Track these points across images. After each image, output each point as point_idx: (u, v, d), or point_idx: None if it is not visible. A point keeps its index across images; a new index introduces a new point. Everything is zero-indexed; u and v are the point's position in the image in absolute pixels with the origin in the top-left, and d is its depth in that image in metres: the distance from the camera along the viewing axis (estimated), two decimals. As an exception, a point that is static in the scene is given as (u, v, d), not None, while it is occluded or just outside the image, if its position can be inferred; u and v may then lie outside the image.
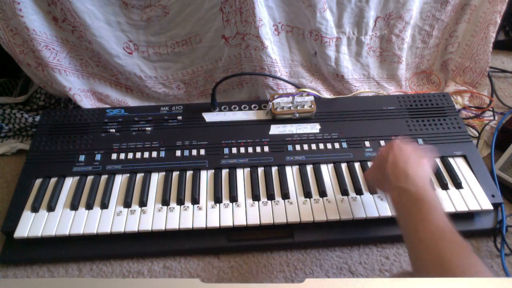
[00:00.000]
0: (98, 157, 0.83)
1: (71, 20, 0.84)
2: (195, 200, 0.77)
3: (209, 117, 0.91)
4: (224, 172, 0.81)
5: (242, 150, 0.84)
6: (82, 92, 0.95)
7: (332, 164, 0.82)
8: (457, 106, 1.01)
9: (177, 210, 0.75)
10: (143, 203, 0.76)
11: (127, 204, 0.76)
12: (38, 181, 0.80)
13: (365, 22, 0.93)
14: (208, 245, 0.75)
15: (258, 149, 0.84)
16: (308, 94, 0.90)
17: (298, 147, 0.84)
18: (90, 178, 0.81)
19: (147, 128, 0.88)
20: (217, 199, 0.77)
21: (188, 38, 0.92)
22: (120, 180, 0.80)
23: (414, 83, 1.09)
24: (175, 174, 0.81)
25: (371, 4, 0.90)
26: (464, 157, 0.84)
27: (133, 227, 0.73)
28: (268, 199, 0.77)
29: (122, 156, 0.83)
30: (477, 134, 0.95)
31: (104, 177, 0.81)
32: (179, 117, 0.91)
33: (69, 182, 0.80)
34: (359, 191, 0.78)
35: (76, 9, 0.81)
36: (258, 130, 0.88)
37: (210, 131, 0.88)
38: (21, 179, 0.81)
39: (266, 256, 0.75)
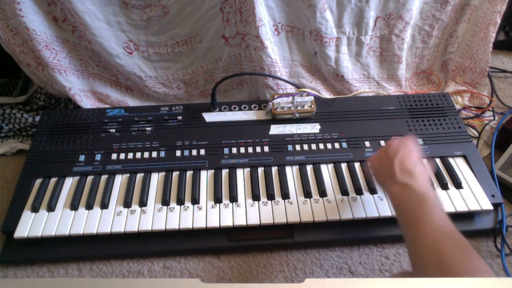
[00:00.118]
0: (98, 157, 0.83)
1: (71, 20, 0.84)
2: (195, 200, 0.77)
3: (209, 117, 0.91)
4: (224, 172, 0.81)
5: (242, 150, 0.84)
6: (82, 92, 0.95)
7: (332, 164, 0.82)
8: (457, 106, 1.01)
9: (177, 210, 0.75)
10: (143, 203, 0.76)
11: (127, 204, 0.76)
12: (38, 181, 0.80)
13: (365, 22, 0.93)
14: (208, 245, 0.75)
15: (258, 149, 0.84)
16: (308, 94, 0.90)
17: (298, 147, 0.84)
18: (90, 178, 0.81)
19: (147, 128, 0.88)
20: (217, 199, 0.77)
21: (188, 38, 0.92)
22: (120, 180, 0.80)
23: (414, 83, 1.09)
24: (175, 174, 0.81)
25: (371, 4, 0.90)
26: (464, 157, 0.84)
27: (133, 227, 0.73)
28: (268, 199, 0.77)
29: (122, 156, 0.83)
30: (477, 134, 0.95)
31: (104, 177, 0.81)
32: (179, 117, 0.91)
33: (69, 182, 0.80)
34: (359, 191, 0.78)
35: (76, 9, 0.81)
36: (258, 130, 0.88)
37: (210, 131, 0.88)
38: (21, 179, 0.81)
39: (266, 256, 0.75)
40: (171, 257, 0.75)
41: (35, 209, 0.75)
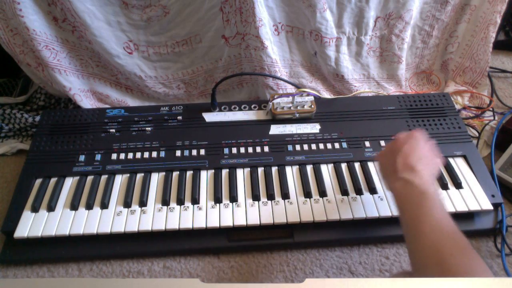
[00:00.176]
0: (98, 157, 0.83)
1: (71, 20, 0.84)
2: (195, 200, 0.77)
3: (209, 117, 0.91)
4: (224, 172, 0.81)
5: (242, 150, 0.84)
6: (82, 92, 0.95)
7: (332, 164, 0.82)
8: (457, 106, 1.01)
9: (177, 210, 0.75)
10: (143, 203, 0.76)
11: (127, 204, 0.76)
12: (38, 181, 0.80)
13: (365, 22, 0.93)
14: (208, 245, 0.75)
15: (258, 149, 0.84)
16: (308, 94, 0.90)
17: (298, 147, 0.84)
18: (90, 178, 0.81)
19: (147, 128, 0.88)
20: (217, 199, 0.77)
21: (188, 38, 0.92)
22: (120, 180, 0.80)
23: (414, 83, 1.09)
24: (175, 174, 0.81)
25: (371, 4, 0.90)
26: (464, 157, 0.84)
27: (133, 227, 0.73)
28: (268, 199, 0.77)
29: (122, 156, 0.83)
30: (477, 134, 0.95)
31: (104, 177, 0.81)
32: (179, 117, 0.91)
33: (69, 182, 0.80)
34: (359, 191, 0.78)
35: (76, 9, 0.81)
36: (258, 130, 0.88)
37: (210, 131, 0.88)
38: (21, 179, 0.81)
39: (266, 256, 0.75)
40: (171, 257, 0.75)
41: (35, 209, 0.75)
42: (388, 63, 1.02)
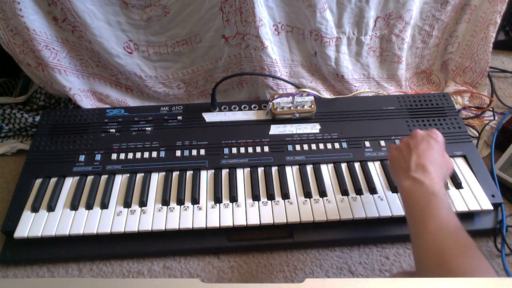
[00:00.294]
0: (98, 157, 0.83)
1: (71, 20, 0.84)
2: (195, 200, 0.77)
3: (209, 117, 0.91)
4: (224, 172, 0.81)
5: (242, 150, 0.84)
6: (82, 92, 0.95)
7: (332, 164, 0.82)
8: (457, 106, 1.01)
9: (177, 210, 0.75)
10: (143, 203, 0.76)
11: (127, 204, 0.76)
12: (38, 181, 0.80)
13: (365, 22, 0.93)
14: (208, 245, 0.75)
15: (258, 149, 0.84)
16: (308, 94, 0.90)
17: (298, 147, 0.84)
18: (90, 178, 0.81)
19: (147, 128, 0.88)
20: (217, 199, 0.77)
21: (188, 38, 0.92)
22: (120, 180, 0.80)
23: (414, 83, 1.09)
24: (175, 174, 0.81)
25: (371, 4, 0.90)
26: (464, 157, 0.84)
27: (133, 227, 0.73)
28: (268, 199, 0.77)
29: (122, 156, 0.83)
30: (477, 134, 0.95)
31: (104, 177, 0.81)
32: (179, 117, 0.91)
33: (69, 182, 0.80)
34: (359, 191, 0.78)
35: (76, 9, 0.81)
36: (258, 130, 0.88)
37: (210, 131, 0.88)
38: (21, 179, 0.81)
39: (266, 256, 0.75)
40: (171, 257, 0.75)
41: (35, 209, 0.75)
42: (388, 63, 1.02)
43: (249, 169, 0.82)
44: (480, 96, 1.04)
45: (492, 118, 0.99)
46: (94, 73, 0.96)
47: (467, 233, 0.52)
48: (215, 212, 0.75)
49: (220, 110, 0.92)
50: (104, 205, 0.76)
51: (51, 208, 0.76)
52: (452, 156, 0.84)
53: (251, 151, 0.84)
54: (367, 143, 0.85)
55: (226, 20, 0.88)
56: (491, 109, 1.01)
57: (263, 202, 0.76)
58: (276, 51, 0.95)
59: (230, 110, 0.92)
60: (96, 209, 0.76)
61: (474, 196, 0.77)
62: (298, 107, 0.89)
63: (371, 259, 0.75)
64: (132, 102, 1.01)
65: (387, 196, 0.77)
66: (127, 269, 0.74)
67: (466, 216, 0.77)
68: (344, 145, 0.85)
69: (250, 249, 0.76)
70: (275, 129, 0.88)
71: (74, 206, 0.76)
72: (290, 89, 0.99)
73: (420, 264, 0.53)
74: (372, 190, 0.78)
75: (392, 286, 0.40)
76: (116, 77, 0.98)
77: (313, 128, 0.88)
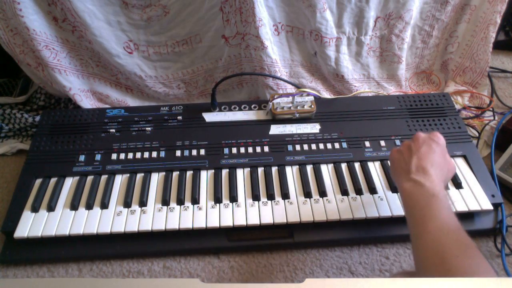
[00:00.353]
0: (98, 157, 0.83)
1: (71, 20, 0.84)
2: (195, 200, 0.77)
3: (209, 117, 0.91)
4: (224, 172, 0.81)
5: (242, 150, 0.84)
6: (82, 92, 0.95)
7: (332, 164, 0.82)
8: (457, 106, 1.01)
9: (177, 210, 0.75)
10: (143, 203, 0.76)
11: (127, 204, 0.76)
12: (38, 181, 0.80)
13: (365, 22, 0.93)
14: (208, 245, 0.75)
15: (258, 149, 0.84)
16: (308, 94, 0.90)
17: (298, 147, 0.84)
18: (90, 178, 0.81)
19: (147, 128, 0.88)
20: (217, 199, 0.77)
21: (188, 38, 0.92)
22: (120, 180, 0.80)
23: (414, 83, 1.09)
24: (175, 174, 0.81)
25: (371, 4, 0.90)
26: (464, 157, 0.84)
27: (133, 227, 0.73)
28: (268, 199, 0.77)
29: (122, 156, 0.83)
30: (477, 134, 0.95)
31: (104, 177, 0.81)
32: (179, 117, 0.91)
33: (69, 182, 0.80)
34: (359, 191, 0.78)
35: (76, 9, 0.81)
36: (258, 130, 0.88)
37: (210, 131, 0.88)
38: (21, 179, 0.81)
39: (266, 256, 0.75)
40: (171, 257, 0.75)
41: (35, 209, 0.75)
42: (388, 63, 1.02)
43: (249, 169, 0.82)
44: (480, 96, 1.04)
45: (492, 118, 0.99)
46: (94, 73, 0.96)
47: (467, 234, 0.52)
48: (215, 212, 0.75)
49: (220, 110, 0.92)
50: (104, 205, 0.76)
51: (51, 208, 0.76)
52: (452, 156, 0.83)
53: (251, 151, 0.84)
54: (367, 143, 0.85)
55: (226, 20, 0.88)
56: (491, 109, 1.01)
57: (263, 202, 0.76)
58: (276, 51, 0.95)
59: (230, 110, 0.92)
60: (96, 209, 0.76)
61: (474, 196, 0.77)
62: (298, 107, 0.89)
63: (371, 259, 0.75)
64: (132, 102, 1.01)
65: (387, 196, 0.77)
66: (127, 269, 0.74)
67: (466, 216, 0.77)
68: (344, 145, 0.85)
69: (250, 249, 0.76)
70: (275, 129, 0.88)
71: (74, 206, 0.76)
72: (290, 89, 0.99)
73: (420, 264, 0.53)
74: (372, 190, 0.78)
75: (392, 286, 0.40)
76: (116, 77, 0.98)
77: (313, 128, 0.88)
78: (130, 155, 0.84)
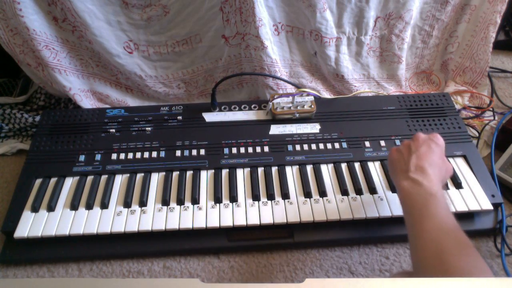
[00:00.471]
0: (98, 157, 0.83)
1: (71, 20, 0.84)
2: (195, 200, 0.77)
3: (209, 117, 0.91)
4: (224, 172, 0.81)
5: (242, 150, 0.84)
6: (82, 92, 0.95)
7: (332, 164, 0.82)
8: (457, 106, 1.01)
9: (177, 210, 0.75)
10: (143, 203, 0.76)
11: (127, 204, 0.76)
12: (38, 181, 0.80)
13: (365, 22, 0.93)
14: (208, 245, 0.75)
15: (258, 149, 0.84)
16: (308, 94, 0.90)
17: (298, 147, 0.84)
18: (90, 178, 0.81)
19: (147, 128, 0.88)
20: (217, 199, 0.77)
21: (188, 38, 0.92)
22: (120, 180, 0.80)
23: (414, 83, 1.09)
24: (175, 174, 0.81)
25: (371, 4, 0.90)
26: (464, 157, 0.84)
27: (133, 227, 0.73)
28: (268, 199, 0.77)
29: (122, 156, 0.83)
30: (477, 134, 0.95)
31: (104, 177, 0.81)
32: (179, 117, 0.91)
33: (69, 182, 0.80)
34: (359, 191, 0.78)
35: (77, 9, 0.81)
36: (258, 130, 0.88)
37: (210, 131, 0.88)
38: (21, 179, 0.81)
39: (266, 256, 0.75)
40: (171, 257, 0.75)
41: (35, 209, 0.75)
42: (388, 63, 1.02)
43: (249, 169, 0.82)
44: (480, 96, 1.04)
45: (492, 118, 0.99)
46: (94, 73, 0.96)
47: (465, 233, 0.52)
48: (215, 212, 0.75)
49: (220, 110, 0.92)
50: (104, 205, 0.76)
51: (51, 208, 0.76)
52: (452, 156, 0.84)
53: (251, 151, 0.84)
54: (367, 143, 0.85)
55: (226, 20, 0.88)
56: (491, 109, 1.01)
57: (263, 202, 0.76)
58: (276, 51, 0.95)
59: (230, 110, 0.92)
60: (96, 209, 0.76)
61: (474, 196, 0.77)
62: (298, 107, 0.89)
63: (371, 259, 0.75)
64: (132, 102, 1.01)
65: (387, 196, 0.77)
66: (127, 269, 0.74)
67: (466, 216, 0.77)
68: (344, 145, 0.85)
69: (250, 249, 0.76)
70: (275, 129, 0.88)
71: (74, 206, 0.76)
72: (290, 89, 0.99)
73: (419, 264, 0.53)
74: (372, 190, 0.78)
75: (392, 286, 0.40)
76: (116, 77, 0.98)
77: (313, 128, 0.88)
78: (130, 155, 0.84)
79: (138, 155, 0.84)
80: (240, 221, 0.74)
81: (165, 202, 0.76)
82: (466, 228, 0.76)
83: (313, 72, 1.03)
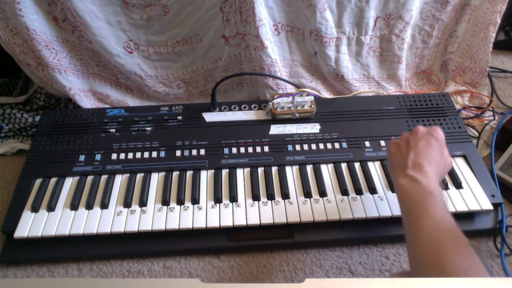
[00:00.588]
0: (98, 157, 0.83)
1: (71, 20, 0.84)
2: (195, 200, 0.77)
3: (209, 117, 0.91)
4: (224, 172, 0.81)
5: (242, 150, 0.84)
6: (82, 92, 0.95)
7: (332, 164, 0.82)
8: (457, 106, 1.01)
9: (177, 210, 0.75)
10: (143, 203, 0.76)
11: (127, 204, 0.76)
12: (38, 181, 0.80)
13: (365, 22, 0.93)
14: (208, 245, 0.75)
15: (258, 149, 0.84)
16: (308, 94, 0.90)
17: (298, 147, 0.84)
18: (90, 178, 0.81)
19: (147, 128, 0.88)
20: (217, 199, 0.77)
21: (188, 38, 0.92)
22: (120, 180, 0.80)
23: (414, 83, 1.09)
24: (175, 174, 0.81)
25: (371, 4, 0.90)
26: (464, 157, 0.84)
27: (133, 227, 0.73)
28: (268, 199, 0.77)
29: (122, 156, 0.83)
30: (477, 134, 0.95)
31: (104, 177, 0.81)
32: (179, 117, 0.91)
33: (69, 182, 0.80)
34: (359, 191, 0.78)
35: (77, 9, 0.81)
36: (258, 130, 0.88)
37: (210, 131, 0.88)
38: (21, 179, 0.81)
39: (266, 256, 0.75)
40: (171, 257, 0.75)
41: (35, 209, 0.75)
42: (388, 63, 1.02)
43: (249, 169, 0.82)
44: (480, 96, 1.04)
45: (492, 118, 0.99)
46: (94, 73, 0.96)
47: (462, 232, 0.52)
48: (215, 212, 0.75)
49: (220, 110, 0.92)
50: (104, 205, 0.76)
51: (51, 208, 0.76)
52: (452, 156, 0.83)
53: (251, 151, 0.84)
54: (367, 143, 0.85)
55: (226, 20, 0.88)
56: (491, 109, 1.01)
57: (263, 202, 0.76)
58: (276, 51, 0.95)
59: (230, 110, 0.92)
60: (96, 209, 0.76)
61: (474, 196, 0.77)
62: (298, 107, 0.89)
63: (371, 259, 0.75)
64: (132, 102, 1.01)
65: (387, 196, 0.77)
66: (127, 269, 0.74)
67: (466, 216, 0.77)
68: (344, 145, 0.85)
69: (250, 249, 0.76)
70: (275, 129, 0.88)
71: (74, 206, 0.76)
72: (290, 89, 0.99)
73: (416, 263, 0.53)
74: (372, 190, 0.78)
75: (392, 286, 0.40)
76: (116, 77, 0.98)
77: (313, 128, 0.88)
78: (130, 155, 0.84)
79: (138, 155, 0.84)
80: (240, 221, 0.74)
81: (165, 202, 0.76)
82: (466, 228, 0.76)
83: (313, 72, 1.03)
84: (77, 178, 0.81)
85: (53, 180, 0.80)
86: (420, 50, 1.06)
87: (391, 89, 1.05)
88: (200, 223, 0.73)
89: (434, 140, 0.63)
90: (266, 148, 0.84)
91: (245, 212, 0.75)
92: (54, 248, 0.74)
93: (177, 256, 0.76)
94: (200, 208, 0.76)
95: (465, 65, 1.05)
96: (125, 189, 0.78)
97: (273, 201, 0.77)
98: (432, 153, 0.62)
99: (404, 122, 0.90)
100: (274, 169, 0.82)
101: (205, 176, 0.81)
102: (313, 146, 0.85)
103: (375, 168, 0.82)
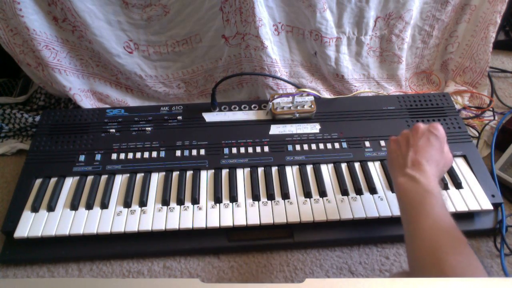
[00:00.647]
0: (98, 157, 0.83)
1: (71, 20, 0.84)
2: (195, 200, 0.77)
3: (209, 117, 0.91)
4: (224, 172, 0.81)
5: (242, 150, 0.84)
6: (82, 92, 0.95)
7: (332, 164, 0.82)
8: (457, 106, 1.01)
9: (177, 210, 0.75)
10: (143, 203, 0.76)
11: (127, 204, 0.76)
12: (38, 181, 0.80)
13: (365, 22, 0.93)
14: (208, 245, 0.75)
15: (258, 149, 0.84)
16: (308, 94, 0.90)
17: (298, 147, 0.84)
18: (90, 178, 0.81)
19: (147, 128, 0.88)
20: (217, 199, 0.77)
21: (188, 38, 0.92)
22: (120, 180, 0.80)
23: (414, 83, 1.09)
24: (175, 174, 0.81)
25: (371, 4, 0.90)
26: (464, 157, 0.84)
27: (133, 227, 0.73)
28: (268, 199, 0.77)
29: (122, 156, 0.83)
30: (477, 134, 0.95)
31: (104, 177, 0.81)
32: (179, 117, 0.91)
33: (69, 182, 0.80)
34: (359, 191, 0.78)
35: (77, 9, 0.81)
36: (258, 130, 0.88)
37: (210, 131, 0.88)
38: (21, 179, 0.81)
39: (266, 256, 0.75)
40: (171, 257, 0.75)
41: (35, 209, 0.75)
42: (388, 63, 1.02)
43: (249, 169, 0.82)
44: (480, 96, 1.04)
45: (492, 118, 0.99)
46: (94, 73, 0.96)
47: (461, 231, 0.52)
48: (215, 212, 0.75)
49: (220, 110, 0.92)
50: (104, 205, 0.76)
51: (51, 208, 0.76)
52: (452, 156, 0.83)
53: (251, 151, 0.84)
54: (367, 143, 0.85)
55: (226, 20, 0.88)
56: (491, 109, 1.01)
57: (263, 202, 0.76)
58: (276, 51, 0.95)
59: (230, 110, 0.92)
60: (96, 209, 0.76)
61: (474, 196, 0.77)
62: (298, 107, 0.89)
63: (371, 259, 0.75)
64: (132, 102, 1.01)
65: (387, 196, 0.77)
66: (127, 269, 0.74)
67: (466, 216, 0.77)
68: (344, 145, 0.85)
69: (250, 249, 0.76)
70: (275, 129, 0.88)
71: (74, 206, 0.76)
72: (290, 89, 0.99)
73: (414, 262, 0.53)
74: (372, 190, 0.78)
75: (392, 286, 0.40)
76: (116, 77, 0.98)
77: (313, 128, 0.88)
78: (130, 155, 0.84)
79: (138, 155, 0.84)
80: (240, 221, 0.74)
81: (165, 202, 0.76)
82: (466, 228, 0.76)
83: (313, 72, 1.03)
84: (77, 178, 0.81)
85: (53, 180, 0.80)
86: (420, 50, 1.06)
87: (391, 89, 1.05)
88: (200, 223, 0.73)
89: (434, 137, 0.62)
90: (266, 148, 0.84)
91: (245, 212, 0.75)
92: (54, 248, 0.74)
93: (177, 256, 0.76)
94: (200, 208, 0.76)
95: (465, 65, 1.05)
96: (125, 189, 0.78)
97: (273, 201, 0.77)
98: (432, 151, 0.61)
99: (404, 122, 0.90)
100: (274, 169, 0.82)
101: (205, 176, 0.81)
102: (313, 146, 0.85)
103: (375, 168, 0.82)
